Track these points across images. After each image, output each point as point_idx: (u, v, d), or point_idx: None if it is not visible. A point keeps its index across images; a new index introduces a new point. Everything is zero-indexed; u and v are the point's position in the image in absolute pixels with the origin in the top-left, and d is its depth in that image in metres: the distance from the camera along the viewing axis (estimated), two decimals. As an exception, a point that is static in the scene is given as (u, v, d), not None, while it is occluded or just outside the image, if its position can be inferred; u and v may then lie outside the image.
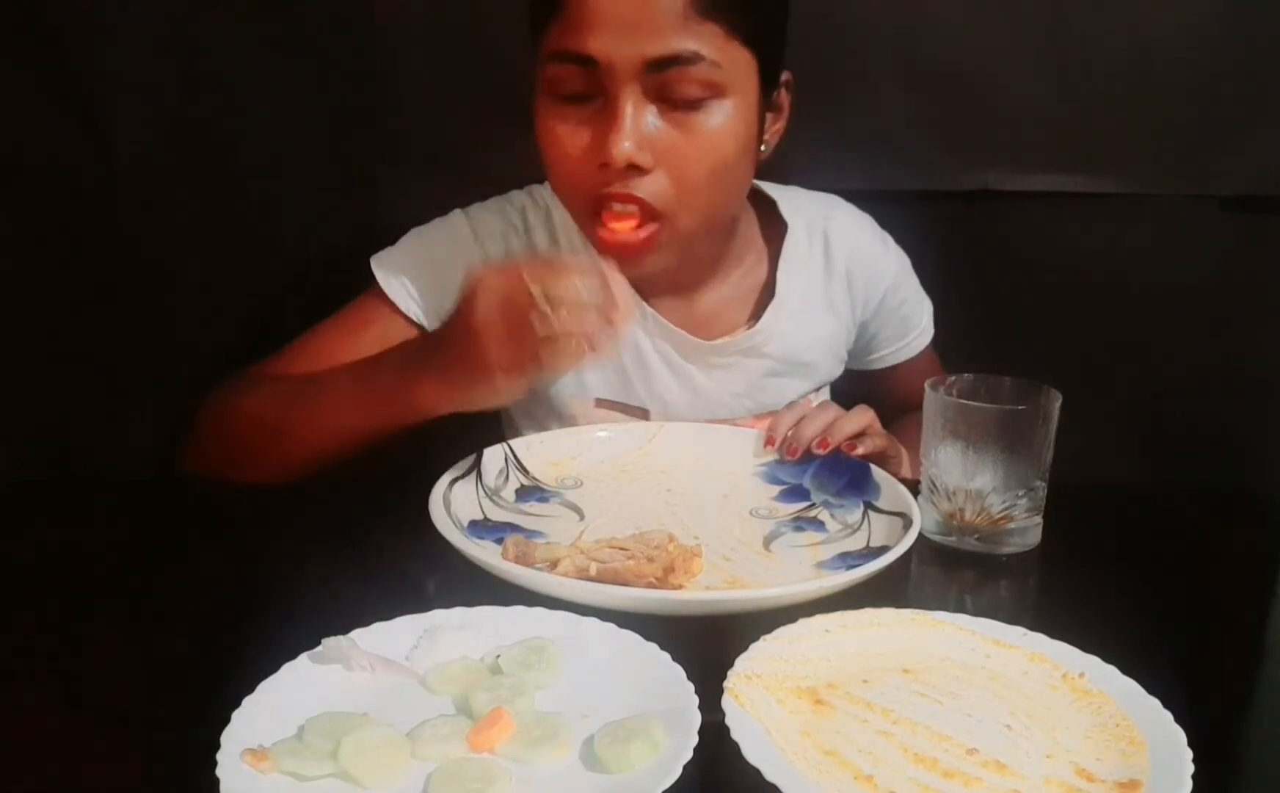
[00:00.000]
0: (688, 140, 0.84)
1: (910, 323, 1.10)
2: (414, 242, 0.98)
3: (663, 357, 1.00)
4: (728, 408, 1.02)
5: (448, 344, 0.77)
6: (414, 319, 0.95)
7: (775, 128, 0.92)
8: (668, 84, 0.82)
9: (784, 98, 0.92)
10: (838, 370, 1.09)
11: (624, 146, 0.81)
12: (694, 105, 0.83)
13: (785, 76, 0.90)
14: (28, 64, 1.05)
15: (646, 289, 0.98)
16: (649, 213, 0.85)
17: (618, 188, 0.84)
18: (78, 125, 1.06)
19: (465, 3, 1.10)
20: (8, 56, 1.05)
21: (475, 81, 1.11)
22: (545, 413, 1.01)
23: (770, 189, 1.03)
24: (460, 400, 0.78)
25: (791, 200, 1.04)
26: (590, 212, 0.87)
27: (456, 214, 1.00)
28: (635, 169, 0.83)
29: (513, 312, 0.72)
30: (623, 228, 0.86)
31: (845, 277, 1.05)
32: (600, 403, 1.00)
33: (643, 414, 1.00)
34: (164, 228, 1.11)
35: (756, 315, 1.02)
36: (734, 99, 0.84)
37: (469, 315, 0.74)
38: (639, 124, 0.82)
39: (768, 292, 1.02)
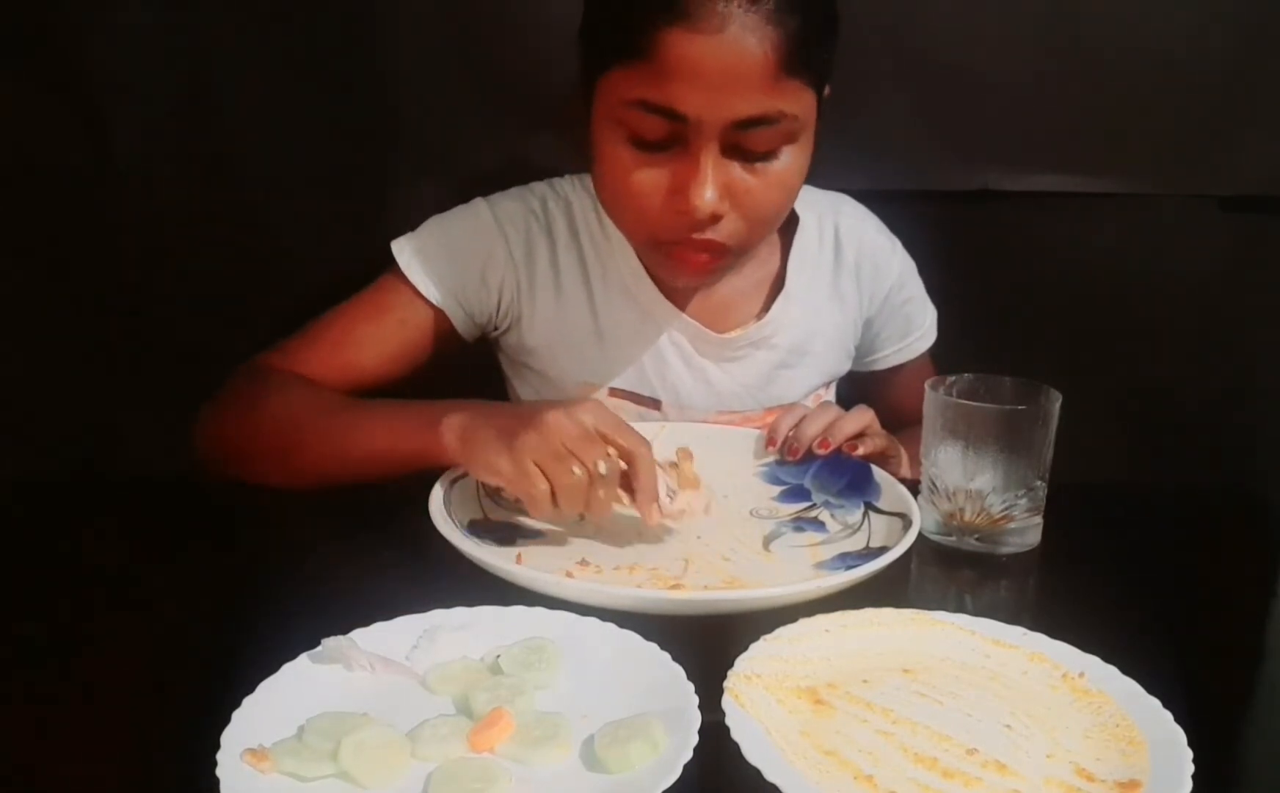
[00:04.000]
0: (762, 185, 0.86)
1: (913, 323, 1.10)
2: (435, 226, 0.99)
3: (677, 349, 1.00)
4: (739, 401, 1.02)
5: (515, 423, 0.75)
6: (434, 303, 0.96)
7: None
8: (748, 139, 0.83)
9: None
10: (845, 365, 1.09)
11: (707, 197, 0.83)
12: (769, 154, 0.85)
13: (826, 91, 0.91)
14: (30, 67, 1.05)
15: (669, 286, 1.00)
16: (720, 250, 0.88)
17: (696, 235, 0.86)
18: (79, 128, 1.07)
19: (467, 3, 1.10)
20: (9, 59, 1.05)
21: (478, 81, 1.11)
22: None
23: None
24: (469, 458, 0.77)
25: (804, 195, 1.05)
26: (658, 245, 0.90)
27: (478, 201, 1.00)
28: (712, 215, 0.85)
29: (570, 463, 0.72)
30: (694, 263, 0.89)
31: (854, 270, 1.06)
32: (614, 392, 1.01)
33: (654, 405, 1.01)
34: (165, 229, 1.11)
35: (767, 307, 1.02)
36: (802, 138, 0.86)
37: (568, 408, 0.74)
38: (719, 175, 0.84)
39: (778, 283, 1.03)
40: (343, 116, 1.11)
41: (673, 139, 0.84)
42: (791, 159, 0.86)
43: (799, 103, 0.83)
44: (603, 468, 0.72)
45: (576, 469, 0.72)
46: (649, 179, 0.85)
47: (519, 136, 1.10)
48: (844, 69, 1.09)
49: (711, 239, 0.87)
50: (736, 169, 0.85)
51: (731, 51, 0.79)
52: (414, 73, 1.11)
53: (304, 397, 0.90)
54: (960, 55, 1.14)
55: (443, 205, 1.00)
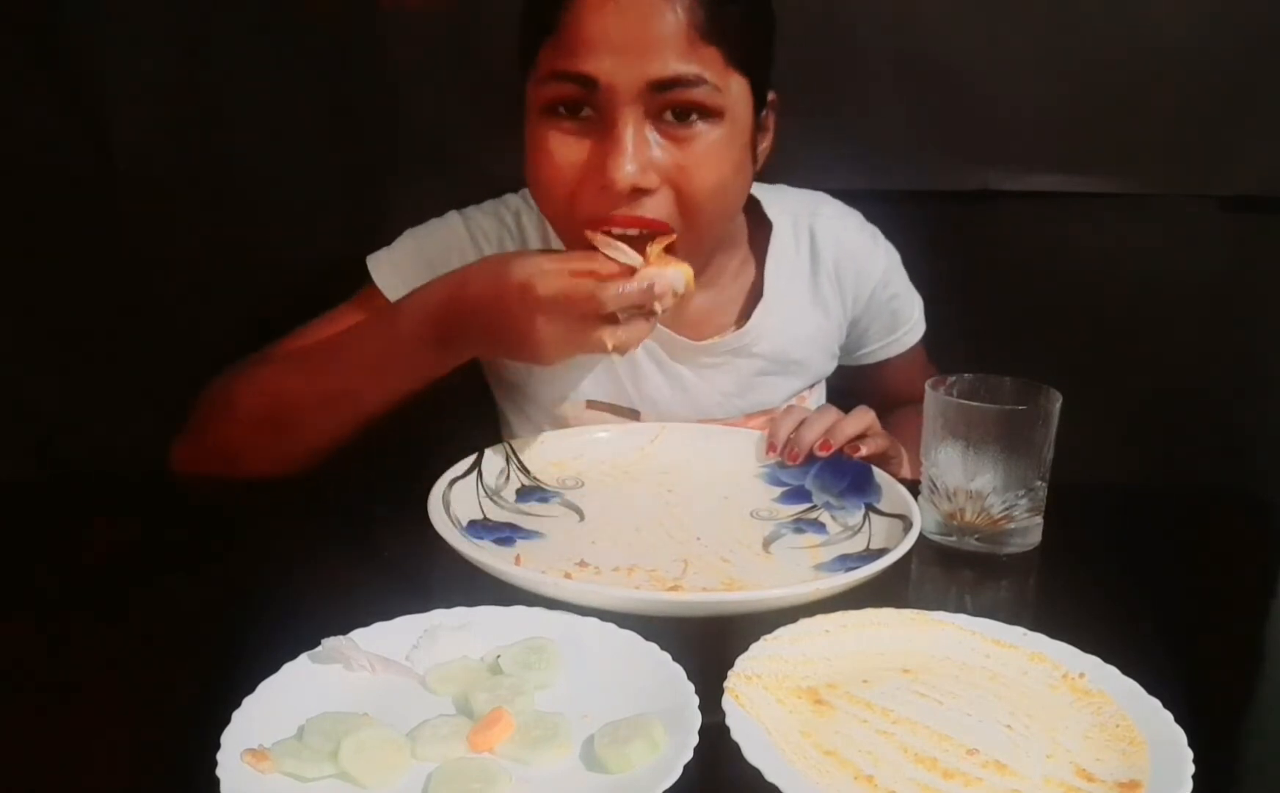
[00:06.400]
0: (690, 159, 0.83)
1: (900, 317, 1.10)
2: (410, 242, 0.98)
3: (652, 357, 1.00)
4: (719, 407, 1.02)
5: (489, 313, 0.80)
6: None
7: (763, 147, 0.92)
8: (669, 106, 0.81)
9: (770, 118, 0.92)
10: (830, 367, 1.09)
11: (626, 170, 0.80)
12: (694, 126, 0.83)
13: (771, 97, 0.90)
14: (29, 65, 1.05)
15: None
16: (657, 227, 0.84)
17: (623, 212, 0.82)
18: (78, 126, 1.07)
19: (467, 4, 1.10)
20: (8, 58, 1.05)
21: (477, 84, 1.11)
22: (539, 414, 1.01)
23: (755, 188, 1.02)
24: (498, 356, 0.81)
25: (778, 199, 1.04)
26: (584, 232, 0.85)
27: (452, 215, 1.00)
28: (640, 191, 0.82)
29: (573, 301, 0.76)
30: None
31: (834, 273, 1.05)
32: (591, 405, 1.00)
33: (633, 415, 1.00)
34: (164, 229, 1.11)
35: (746, 315, 1.01)
36: (730, 122, 0.84)
37: (527, 295, 0.77)
38: (640, 146, 0.81)
39: (756, 292, 1.02)
40: (343, 119, 1.11)
41: (592, 111, 0.82)
42: (720, 138, 0.83)
43: (720, 75, 0.82)
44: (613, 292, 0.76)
45: (605, 333, 0.77)
46: (572, 158, 0.83)
47: (519, 139, 1.10)
48: (844, 69, 1.10)
49: (642, 216, 0.82)
50: (661, 142, 0.82)
51: (640, 11, 0.79)
52: (414, 75, 1.11)
53: (274, 369, 0.89)
54: (960, 56, 1.15)
55: (444, 208, 1.00)
